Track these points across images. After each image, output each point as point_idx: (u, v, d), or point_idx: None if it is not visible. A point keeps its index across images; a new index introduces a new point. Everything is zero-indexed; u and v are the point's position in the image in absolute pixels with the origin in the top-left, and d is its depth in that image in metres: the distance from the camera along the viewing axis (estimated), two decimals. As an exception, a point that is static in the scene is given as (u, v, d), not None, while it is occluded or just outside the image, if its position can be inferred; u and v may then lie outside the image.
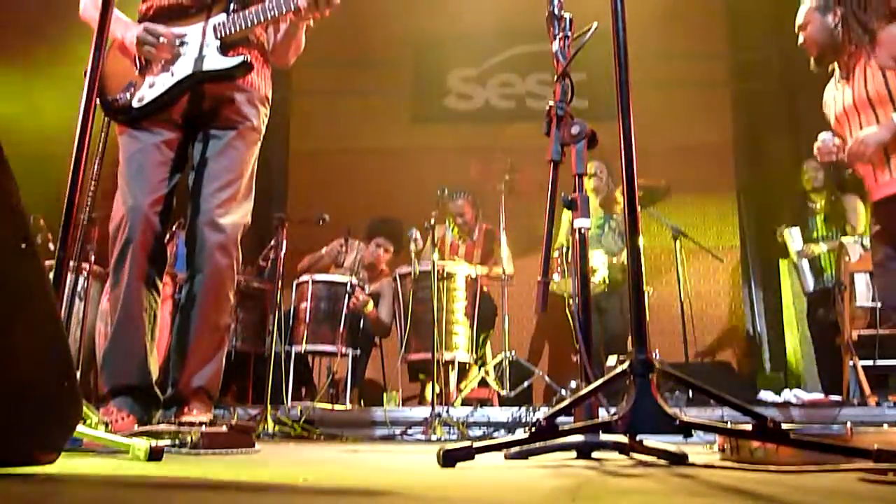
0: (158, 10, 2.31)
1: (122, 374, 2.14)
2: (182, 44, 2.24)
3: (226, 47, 2.24)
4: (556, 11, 1.80)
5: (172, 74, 2.23)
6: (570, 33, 1.79)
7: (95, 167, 2.28)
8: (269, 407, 3.36)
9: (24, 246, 1.03)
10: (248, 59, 2.24)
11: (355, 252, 4.72)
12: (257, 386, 4.16)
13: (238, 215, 2.27)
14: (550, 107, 1.70)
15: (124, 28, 2.25)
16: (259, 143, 2.40)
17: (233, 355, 3.96)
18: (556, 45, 1.78)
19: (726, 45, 6.08)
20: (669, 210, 4.51)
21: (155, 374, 2.21)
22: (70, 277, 3.58)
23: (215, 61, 2.22)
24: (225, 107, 2.30)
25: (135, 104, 2.24)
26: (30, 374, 1.04)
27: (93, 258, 3.60)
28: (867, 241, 3.71)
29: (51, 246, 3.84)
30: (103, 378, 2.16)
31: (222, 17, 2.24)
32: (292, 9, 2.20)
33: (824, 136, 2.68)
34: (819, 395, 3.99)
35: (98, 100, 2.23)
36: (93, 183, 2.18)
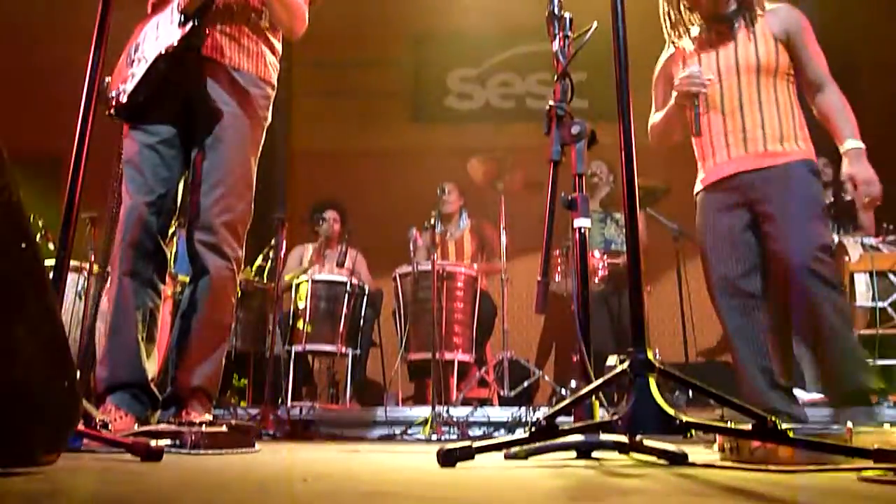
0: (154, 3, 2.31)
1: (116, 372, 2.14)
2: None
3: (185, 19, 2.15)
4: (556, 11, 1.79)
5: (146, 61, 2.20)
6: (570, 33, 1.79)
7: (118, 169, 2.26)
8: (268, 407, 3.36)
9: (23, 246, 1.03)
10: (196, 24, 2.12)
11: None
12: (257, 386, 4.16)
13: (232, 214, 2.23)
14: (551, 107, 1.70)
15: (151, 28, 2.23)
16: (258, 130, 2.31)
17: (233, 355, 3.96)
18: (556, 45, 1.78)
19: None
20: (669, 210, 4.51)
21: (152, 372, 2.21)
22: (73, 278, 3.59)
23: (172, 35, 2.16)
24: (209, 96, 2.22)
25: (122, 99, 2.21)
26: (30, 374, 1.04)
27: (93, 258, 3.60)
28: (868, 241, 3.71)
29: (51, 246, 3.84)
30: (100, 375, 2.16)
31: None
32: None
33: (694, 67, 2.50)
34: (818, 395, 3.98)
35: (112, 111, 2.24)
36: (115, 183, 2.17)
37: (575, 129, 1.66)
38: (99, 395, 2.14)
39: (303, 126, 6.52)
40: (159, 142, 2.23)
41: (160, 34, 2.21)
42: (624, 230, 4.48)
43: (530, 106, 6.45)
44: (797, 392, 3.97)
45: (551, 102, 1.71)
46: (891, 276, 3.70)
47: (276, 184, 6.35)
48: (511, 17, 6.03)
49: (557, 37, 1.78)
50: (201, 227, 2.20)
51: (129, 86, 2.21)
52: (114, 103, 2.23)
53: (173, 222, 2.33)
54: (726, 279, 2.48)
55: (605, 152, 4.45)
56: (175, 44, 2.15)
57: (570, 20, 1.80)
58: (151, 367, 2.21)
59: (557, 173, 1.67)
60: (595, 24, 1.74)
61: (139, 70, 2.21)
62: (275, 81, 2.40)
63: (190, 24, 2.13)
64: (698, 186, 2.71)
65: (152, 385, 2.20)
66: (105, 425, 1.84)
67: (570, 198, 1.67)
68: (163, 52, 2.17)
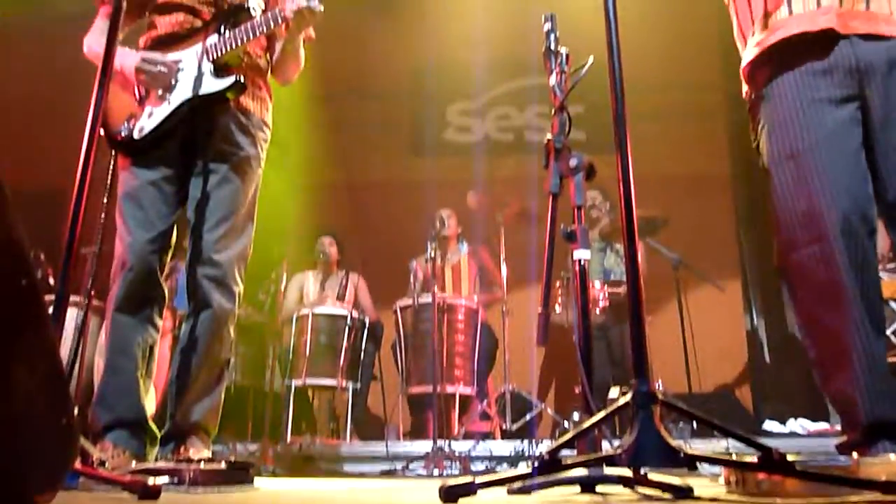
0: (156, 40, 2.35)
1: (115, 409, 2.12)
2: (179, 69, 2.26)
3: (219, 69, 2.25)
4: (553, 47, 1.82)
5: (169, 102, 2.25)
6: (566, 68, 1.81)
7: (104, 200, 2.27)
8: (268, 442, 3.33)
9: (24, 282, 1.03)
10: (240, 79, 2.23)
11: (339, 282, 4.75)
12: (256, 421, 4.12)
13: (235, 250, 2.26)
14: (549, 140, 1.72)
15: (122, 56, 2.26)
16: (259, 171, 2.38)
17: (232, 390, 3.93)
18: (553, 80, 1.80)
19: (720, 76, 6.16)
20: (668, 240, 4.52)
21: (151, 409, 2.20)
22: (73, 312, 3.57)
23: (209, 84, 2.23)
24: (218, 137, 2.28)
25: (136, 135, 2.25)
26: (27, 412, 1.04)
27: (92, 293, 3.59)
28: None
29: (51, 280, 3.84)
30: (98, 413, 2.14)
31: (214, 38, 2.26)
32: (280, 22, 2.22)
33: None
34: (825, 425, 3.94)
35: (103, 132, 2.26)
36: (102, 216, 2.18)
37: (573, 162, 1.67)
38: (96, 433, 2.12)
39: (303, 159, 6.57)
40: (162, 178, 2.26)
41: (183, 77, 2.25)
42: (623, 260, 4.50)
43: (529, 138, 6.51)
44: (802, 422, 3.94)
45: (549, 136, 1.72)
46: (892, 303, 3.69)
47: (277, 216, 6.39)
48: (509, 51, 6.13)
49: (554, 71, 1.80)
50: (206, 261, 2.21)
51: (148, 123, 2.25)
52: (122, 137, 2.26)
53: (170, 258, 2.33)
54: (845, 212, 1.66)
55: (603, 184, 4.48)
56: (212, 92, 2.22)
57: (567, 55, 1.82)
58: (149, 403, 2.19)
59: (557, 205, 1.68)
60: (591, 59, 1.77)
61: (161, 110, 2.24)
62: (271, 123, 2.47)
63: (234, 78, 2.22)
64: (753, 53, 1.88)
65: (150, 422, 2.18)
66: (102, 463, 1.81)
67: (569, 230, 1.67)
68: (192, 97, 2.22)
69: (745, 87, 1.96)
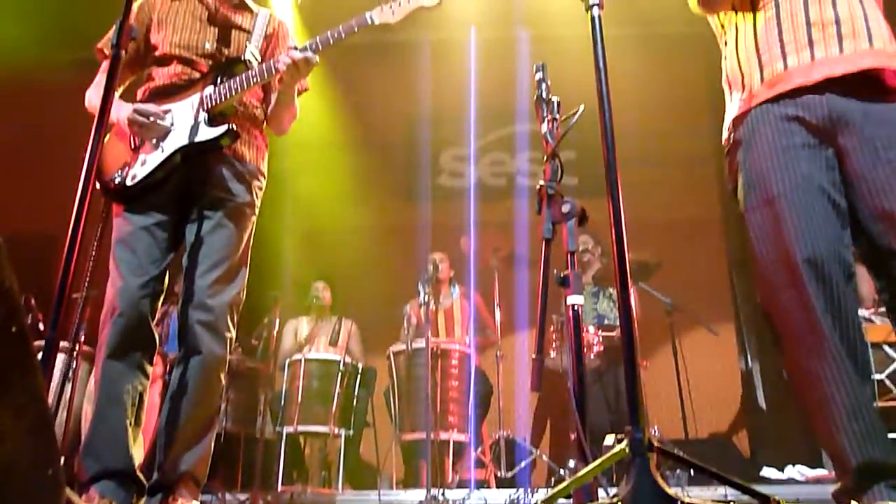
0: (154, 91, 2.39)
1: (103, 458, 2.08)
2: (170, 119, 2.29)
3: (213, 118, 2.28)
4: (545, 95, 1.86)
5: (162, 150, 2.27)
6: (558, 115, 1.85)
7: (93, 247, 2.28)
8: (259, 491, 3.26)
9: (14, 329, 1.02)
10: (233, 127, 2.27)
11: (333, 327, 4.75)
12: (247, 469, 4.04)
13: (228, 295, 2.26)
14: (541, 186, 1.74)
15: (117, 109, 2.30)
16: (254, 217, 2.40)
17: (222, 437, 3.87)
18: (545, 127, 1.83)
19: (710, 122, 6.28)
20: (661, 284, 4.54)
21: (139, 458, 2.15)
22: (61, 359, 3.54)
23: (202, 133, 2.26)
24: (213, 184, 2.31)
25: (128, 182, 2.27)
26: (13, 463, 1.01)
27: (82, 338, 3.56)
28: (861, 313, 3.72)
29: (40, 326, 3.80)
30: (85, 462, 2.09)
31: (210, 89, 2.31)
32: (273, 73, 2.27)
33: None
34: (824, 471, 3.90)
35: (97, 182, 2.27)
36: (90, 263, 2.18)
37: (565, 208, 1.69)
38: (83, 484, 2.07)
39: (298, 205, 6.61)
40: (154, 224, 2.26)
41: (178, 126, 2.28)
42: (617, 305, 4.52)
43: (521, 183, 6.59)
44: (801, 468, 3.89)
45: (542, 182, 1.75)
46: (885, 347, 3.69)
47: (271, 262, 6.39)
48: (501, 98, 6.24)
49: (546, 119, 1.83)
50: (198, 306, 2.20)
51: (141, 171, 2.27)
52: (115, 185, 2.28)
53: (162, 303, 2.32)
54: (818, 256, 1.65)
55: (595, 229, 4.53)
56: (206, 140, 2.25)
57: (558, 103, 1.86)
58: (138, 452, 2.15)
59: (549, 251, 1.69)
60: (582, 107, 1.80)
61: (154, 157, 2.27)
62: (266, 171, 2.50)
63: (226, 126, 2.26)
64: (738, 109, 1.89)
65: (139, 471, 2.13)
66: (88, 514, 1.77)
67: (562, 275, 1.68)
68: (185, 145, 2.25)
69: (724, 134, 1.96)
